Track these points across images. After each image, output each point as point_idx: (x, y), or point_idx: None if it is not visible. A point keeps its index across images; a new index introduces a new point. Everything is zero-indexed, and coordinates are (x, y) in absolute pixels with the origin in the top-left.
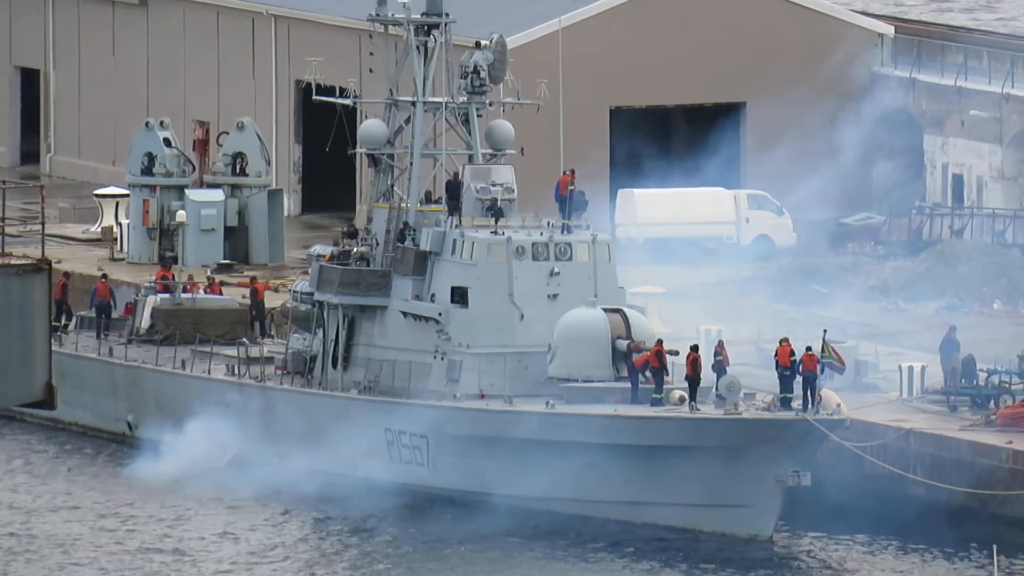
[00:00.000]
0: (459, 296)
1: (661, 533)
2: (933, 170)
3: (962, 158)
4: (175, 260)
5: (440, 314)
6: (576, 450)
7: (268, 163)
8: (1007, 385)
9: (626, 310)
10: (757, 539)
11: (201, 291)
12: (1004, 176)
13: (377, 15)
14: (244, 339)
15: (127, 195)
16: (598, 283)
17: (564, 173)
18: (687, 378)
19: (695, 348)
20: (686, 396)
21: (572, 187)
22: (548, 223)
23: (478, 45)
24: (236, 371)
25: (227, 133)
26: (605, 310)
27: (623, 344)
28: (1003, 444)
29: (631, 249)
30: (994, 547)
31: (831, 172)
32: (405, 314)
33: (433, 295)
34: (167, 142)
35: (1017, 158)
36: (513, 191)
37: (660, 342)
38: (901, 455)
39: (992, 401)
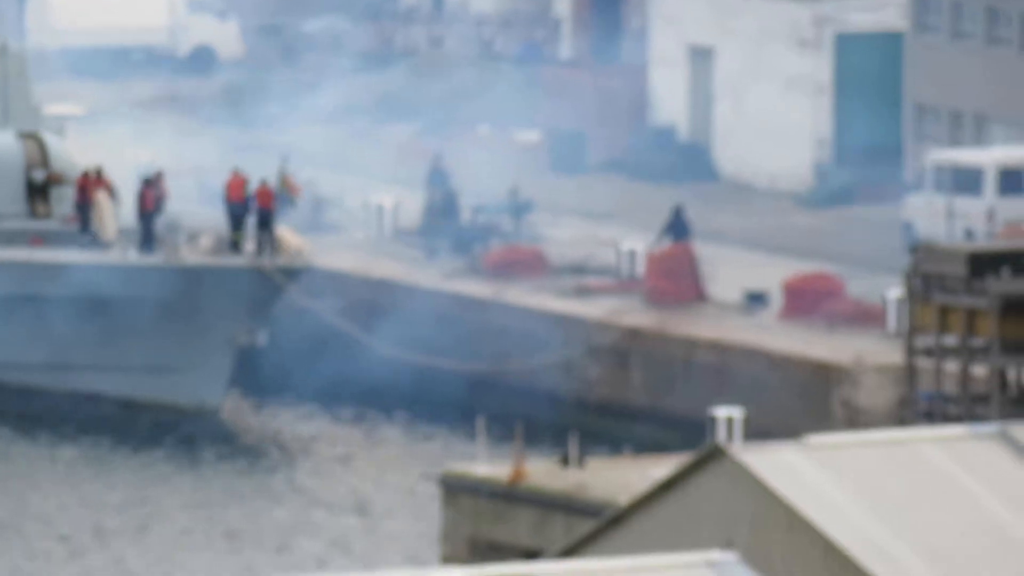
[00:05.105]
0: None
1: (90, 406)
2: None
3: None
4: None
5: None
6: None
7: None
8: (496, 225)
9: (43, 135)
10: (203, 411)
11: None
12: None
13: None
14: None
15: None
16: (9, 102)
17: None
18: (143, 215)
19: (147, 182)
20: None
21: None
22: None
23: None
24: None
25: None
26: (18, 135)
27: (40, 176)
28: (490, 296)
29: (42, 60)
30: (479, 419)
31: None
32: None
33: None
34: None
35: None
36: None
37: (99, 176)
38: (369, 309)
39: (478, 243)
